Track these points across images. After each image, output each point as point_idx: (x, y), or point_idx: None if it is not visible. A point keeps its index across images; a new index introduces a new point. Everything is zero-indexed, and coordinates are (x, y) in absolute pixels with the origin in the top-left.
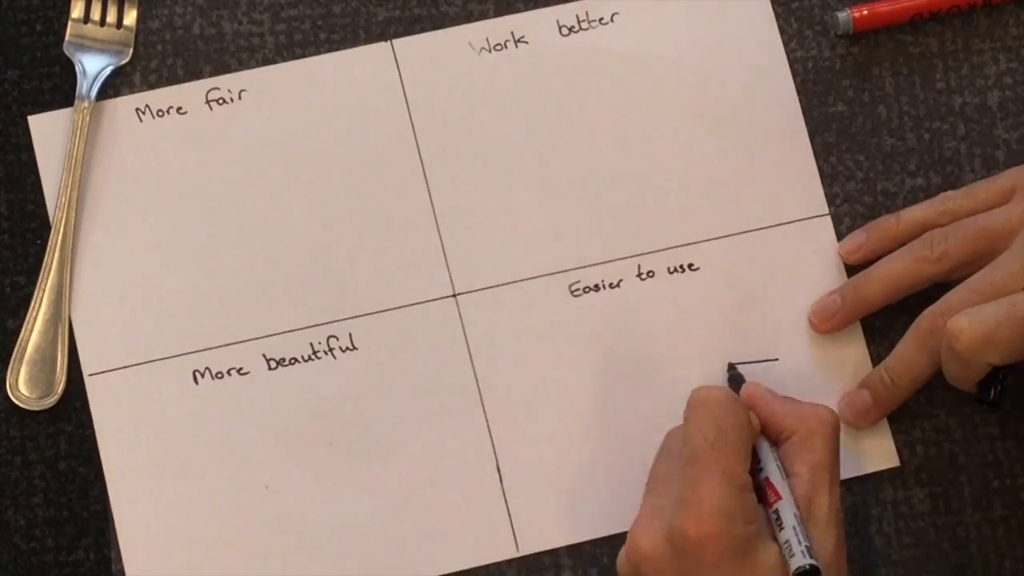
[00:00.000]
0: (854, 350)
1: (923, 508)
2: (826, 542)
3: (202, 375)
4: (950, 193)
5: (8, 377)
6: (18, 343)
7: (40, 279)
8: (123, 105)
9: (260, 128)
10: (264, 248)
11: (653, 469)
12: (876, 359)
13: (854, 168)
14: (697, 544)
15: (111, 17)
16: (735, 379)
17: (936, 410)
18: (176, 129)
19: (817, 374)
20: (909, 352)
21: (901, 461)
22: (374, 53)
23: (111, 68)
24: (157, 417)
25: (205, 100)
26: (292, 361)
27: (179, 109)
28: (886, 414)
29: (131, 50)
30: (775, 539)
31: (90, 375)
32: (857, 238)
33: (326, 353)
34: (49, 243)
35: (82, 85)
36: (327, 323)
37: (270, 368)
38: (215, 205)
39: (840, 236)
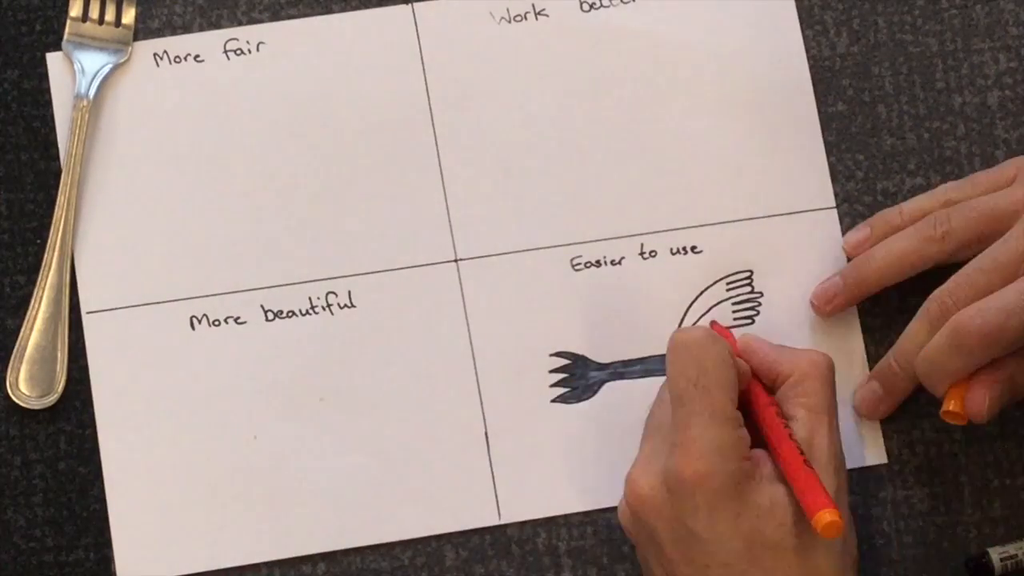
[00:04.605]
0: (851, 342)
1: (923, 508)
2: (829, 485)
3: (199, 321)
4: (952, 183)
5: (8, 376)
6: (18, 342)
7: (40, 278)
8: (141, 48)
9: (275, 81)
10: (269, 200)
11: (648, 418)
12: (871, 345)
13: (854, 168)
14: (692, 484)
15: (109, 15)
16: None
17: (936, 410)
18: (192, 76)
19: None
20: (918, 335)
21: (902, 461)
22: (394, 15)
23: (110, 66)
24: (151, 360)
25: (223, 50)
26: (290, 314)
27: (196, 57)
28: (898, 403)
29: (130, 48)
30: (780, 480)
31: (88, 313)
32: (861, 232)
33: (324, 309)
34: (48, 242)
35: (81, 84)
36: (327, 279)
37: (267, 319)
38: (224, 154)
39: (842, 234)
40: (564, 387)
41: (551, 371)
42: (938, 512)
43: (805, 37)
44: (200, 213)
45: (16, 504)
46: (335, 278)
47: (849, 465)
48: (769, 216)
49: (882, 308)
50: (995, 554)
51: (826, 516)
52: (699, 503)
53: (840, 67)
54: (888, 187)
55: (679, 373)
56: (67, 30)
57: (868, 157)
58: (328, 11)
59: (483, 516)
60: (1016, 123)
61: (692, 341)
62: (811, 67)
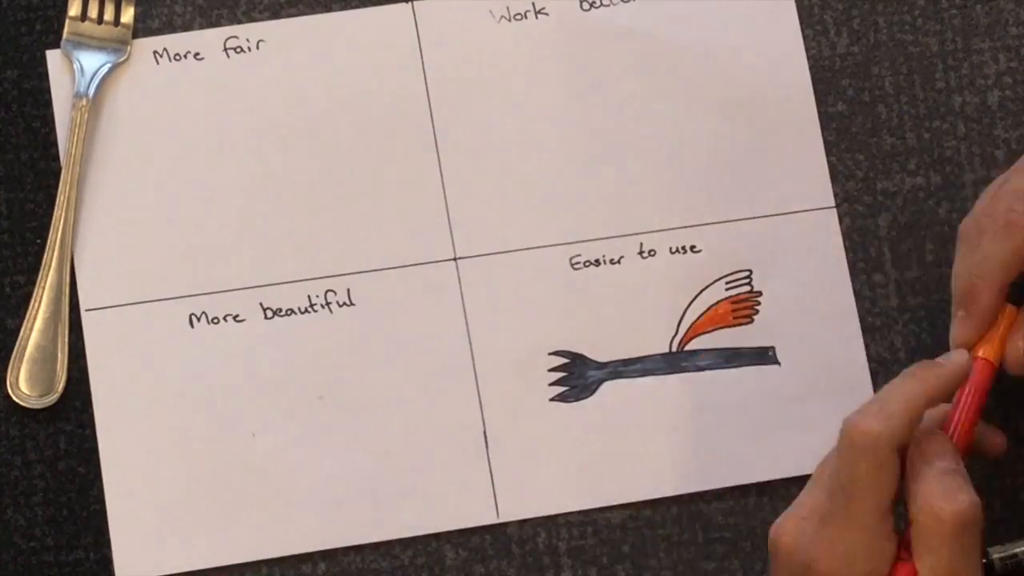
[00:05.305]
0: (851, 342)
1: None
2: None
3: (198, 319)
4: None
5: (8, 376)
6: (18, 342)
7: (40, 278)
8: (141, 46)
9: (275, 79)
10: (269, 198)
11: (820, 467)
12: (871, 345)
13: (854, 167)
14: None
15: (108, 15)
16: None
17: None
18: (191, 74)
19: (813, 364)
20: (992, 247)
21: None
22: (394, 13)
23: (109, 66)
24: (150, 358)
25: (223, 48)
26: (289, 312)
27: (196, 55)
28: (983, 328)
29: (129, 48)
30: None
31: (87, 310)
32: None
33: (323, 307)
34: (48, 241)
35: (80, 83)
36: (326, 277)
37: (266, 317)
38: (224, 152)
39: (842, 233)
40: (563, 386)
41: (550, 370)
42: None
43: (805, 37)
44: (199, 211)
45: (16, 504)
46: (334, 276)
47: None
48: (769, 216)
49: (882, 308)
50: (995, 554)
51: None
52: None
53: (840, 67)
54: (888, 187)
55: (846, 466)
56: (66, 29)
57: (868, 157)
58: (328, 9)
59: (482, 515)
60: (1016, 123)
61: (871, 449)
62: (811, 67)
